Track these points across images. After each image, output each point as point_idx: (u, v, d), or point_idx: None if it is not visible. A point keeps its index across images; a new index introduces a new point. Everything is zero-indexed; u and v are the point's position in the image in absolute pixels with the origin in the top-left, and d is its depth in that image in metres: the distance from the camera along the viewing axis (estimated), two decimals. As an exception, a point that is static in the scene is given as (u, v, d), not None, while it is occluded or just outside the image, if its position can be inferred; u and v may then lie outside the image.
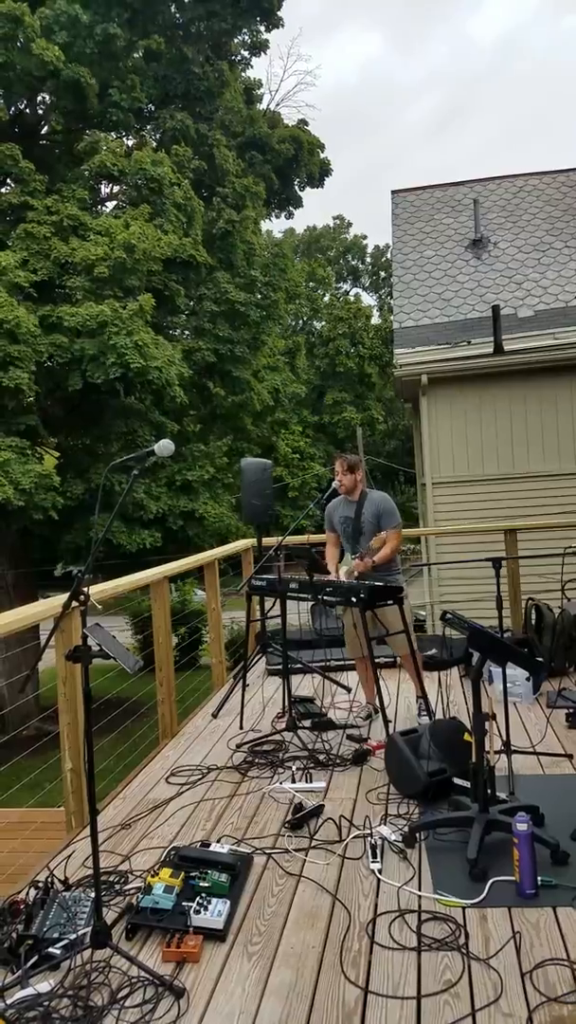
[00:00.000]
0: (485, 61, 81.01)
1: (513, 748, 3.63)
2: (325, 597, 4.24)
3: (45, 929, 2.41)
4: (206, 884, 2.59)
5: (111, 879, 2.82)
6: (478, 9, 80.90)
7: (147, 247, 12.49)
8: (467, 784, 3.13)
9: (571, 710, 4.37)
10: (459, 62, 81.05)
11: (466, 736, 3.44)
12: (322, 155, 19.56)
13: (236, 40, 17.44)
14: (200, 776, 3.89)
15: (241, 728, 4.67)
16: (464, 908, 2.51)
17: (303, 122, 20.04)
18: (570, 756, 3.81)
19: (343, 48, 77.01)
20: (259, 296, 16.06)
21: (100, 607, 3.17)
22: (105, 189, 15.90)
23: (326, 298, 41.22)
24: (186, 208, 14.08)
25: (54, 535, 13.67)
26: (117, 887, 2.77)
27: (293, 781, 3.68)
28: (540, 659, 5.12)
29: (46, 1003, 2.13)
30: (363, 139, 78.48)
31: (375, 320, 39.29)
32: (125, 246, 12.33)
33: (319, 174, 19.60)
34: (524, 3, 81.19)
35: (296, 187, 19.74)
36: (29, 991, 2.18)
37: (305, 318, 39.89)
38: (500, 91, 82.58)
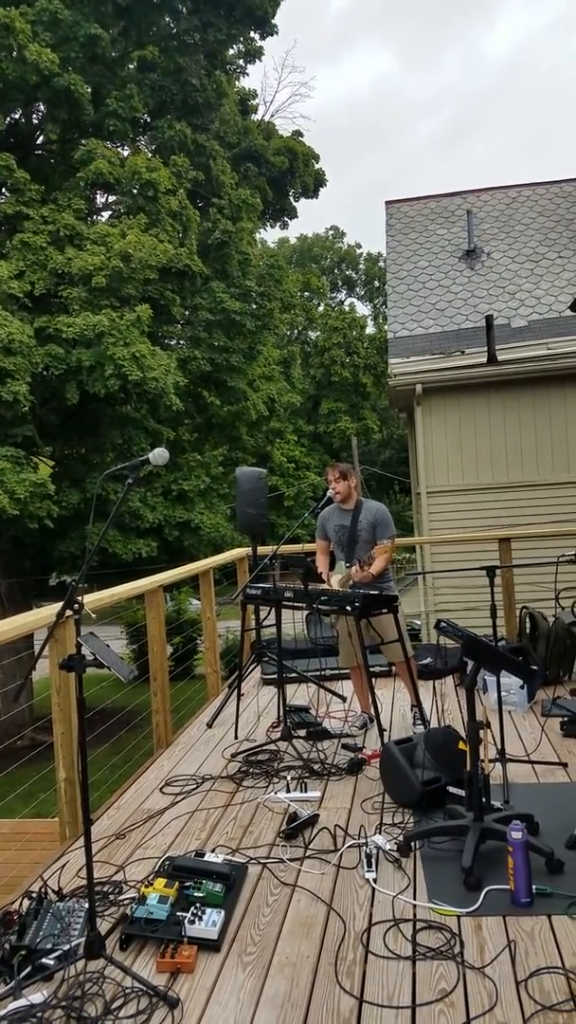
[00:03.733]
0: (496, 77, 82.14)
1: (508, 757, 3.63)
2: (320, 606, 4.24)
3: (39, 940, 2.40)
4: (200, 894, 2.59)
5: (105, 889, 2.81)
6: (491, 27, 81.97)
7: (144, 256, 12.53)
8: (462, 793, 3.13)
9: (565, 718, 4.37)
10: (470, 78, 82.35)
11: (461, 745, 3.44)
12: (316, 166, 19.70)
13: (231, 52, 17.56)
14: (195, 786, 3.88)
15: (236, 738, 4.65)
16: (459, 917, 2.50)
17: (298, 133, 20.18)
18: (565, 764, 3.81)
19: (356, 65, 78.33)
20: (254, 306, 16.11)
21: (95, 616, 3.17)
22: (101, 199, 15.97)
23: (320, 308, 41.39)
24: (181, 217, 14.14)
25: (48, 544, 13.65)
26: (111, 897, 2.76)
27: (288, 791, 3.67)
28: (534, 668, 5.12)
29: (39, 1014, 2.12)
30: (373, 153, 79.46)
31: (370, 329, 39.46)
32: (122, 255, 12.36)
33: (314, 185, 19.72)
34: (536, 20, 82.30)
35: (291, 198, 19.85)
36: (22, 1002, 2.16)
37: (300, 328, 40.02)
38: (510, 106, 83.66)
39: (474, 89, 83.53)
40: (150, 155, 14.74)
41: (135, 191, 13.54)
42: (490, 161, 73.51)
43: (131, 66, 15.66)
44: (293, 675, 5.39)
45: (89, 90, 13.54)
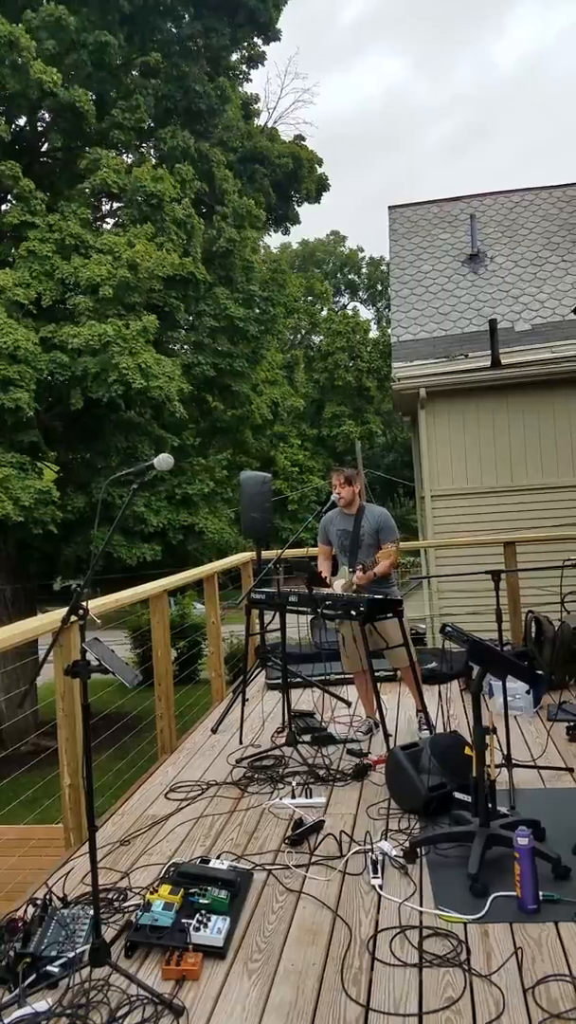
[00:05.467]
0: (507, 83, 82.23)
1: (514, 762, 3.62)
2: (324, 611, 4.23)
3: (43, 947, 2.40)
4: (206, 901, 2.58)
5: (110, 896, 2.80)
6: (502, 34, 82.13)
7: (150, 266, 12.56)
8: (468, 798, 3.12)
9: (571, 723, 4.36)
10: (480, 85, 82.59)
11: (467, 750, 3.43)
12: (319, 171, 19.74)
13: (234, 57, 17.62)
14: (199, 792, 3.87)
15: (240, 743, 4.65)
16: (465, 924, 2.49)
17: (300, 137, 20.24)
18: (571, 769, 3.79)
19: (367, 73, 78.89)
20: (257, 311, 16.12)
21: (99, 621, 3.17)
22: (106, 206, 16.01)
23: (324, 312, 41.42)
24: (186, 225, 14.16)
25: (53, 549, 13.66)
26: (116, 904, 2.75)
27: (293, 796, 3.66)
28: (540, 672, 5.11)
29: (44, 1022, 2.11)
30: (383, 160, 79.81)
31: (373, 333, 39.47)
32: (129, 265, 12.39)
33: (316, 190, 19.76)
34: (547, 28, 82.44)
35: (294, 203, 19.90)
36: (27, 1010, 2.16)
37: (303, 332, 40.07)
38: (522, 113, 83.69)
39: (484, 96, 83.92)
40: (154, 163, 14.76)
41: (140, 199, 13.57)
42: (500, 168, 73.56)
43: (135, 72, 15.71)
44: (298, 680, 5.37)
45: (92, 98, 13.56)
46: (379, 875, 2.82)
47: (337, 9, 71.68)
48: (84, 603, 2.44)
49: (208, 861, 2.89)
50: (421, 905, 2.62)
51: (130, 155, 16.01)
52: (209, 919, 2.48)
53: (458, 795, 3.26)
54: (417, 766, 3.40)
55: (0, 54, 11.90)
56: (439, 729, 4.39)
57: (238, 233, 15.49)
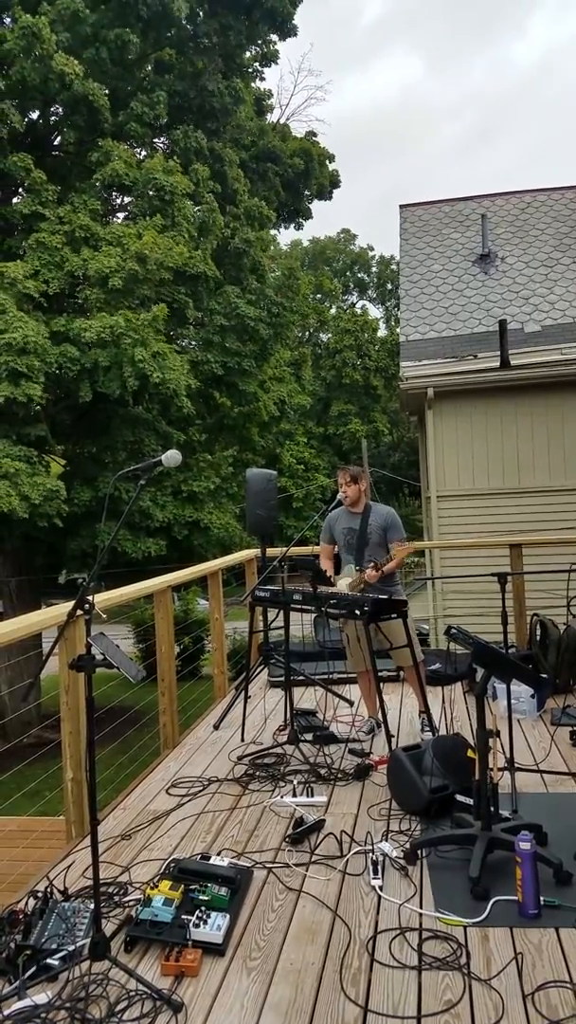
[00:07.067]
0: (521, 84, 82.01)
1: (516, 765, 3.61)
2: (329, 609, 4.23)
3: (43, 940, 2.40)
4: (206, 897, 2.58)
5: (110, 890, 2.81)
6: (515, 35, 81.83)
7: (159, 256, 12.55)
8: (470, 801, 3.11)
9: (575, 728, 4.34)
10: (495, 85, 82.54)
11: (469, 752, 3.43)
12: (331, 167, 19.72)
13: (248, 55, 17.57)
14: (201, 788, 3.87)
15: (242, 740, 4.65)
16: (465, 927, 2.48)
17: (311, 134, 20.23)
18: (574, 774, 3.78)
19: (383, 72, 78.92)
20: (266, 312, 16.08)
21: (105, 616, 3.17)
22: (116, 200, 15.99)
23: (333, 310, 41.38)
24: (206, 222, 14.16)
25: (59, 541, 13.68)
26: (116, 899, 2.76)
27: (294, 795, 3.66)
28: (545, 675, 5.09)
29: (43, 1015, 2.12)
30: (396, 158, 79.77)
31: (382, 332, 39.42)
32: (138, 257, 12.38)
33: (329, 186, 19.74)
34: (560, 28, 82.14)
35: (305, 199, 19.87)
36: (26, 1002, 2.16)
37: (312, 330, 40.04)
38: (536, 112, 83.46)
39: (497, 96, 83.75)
40: (165, 157, 14.73)
41: (151, 193, 13.54)
42: (512, 168, 73.41)
43: (148, 67, 15.68)
44: (300, 678, 5.37)
45: (106, 93, 13.54)
46: (379, 876, 2.81)
47: (350, 8, 71.72)
48: (90, 597, 2.44)
49: (208, 858, 2.89)
50: (421, 907, 2.62)
51: (143, 150, 15.99)
52: (209, 916, 2.48)
53: (460, 798, 3.26)
54: (419, 767, 3.39)
55: (22, 46, 11.90)
56: (442, 731, 4.38)
57: (252, 233, 15.47)
